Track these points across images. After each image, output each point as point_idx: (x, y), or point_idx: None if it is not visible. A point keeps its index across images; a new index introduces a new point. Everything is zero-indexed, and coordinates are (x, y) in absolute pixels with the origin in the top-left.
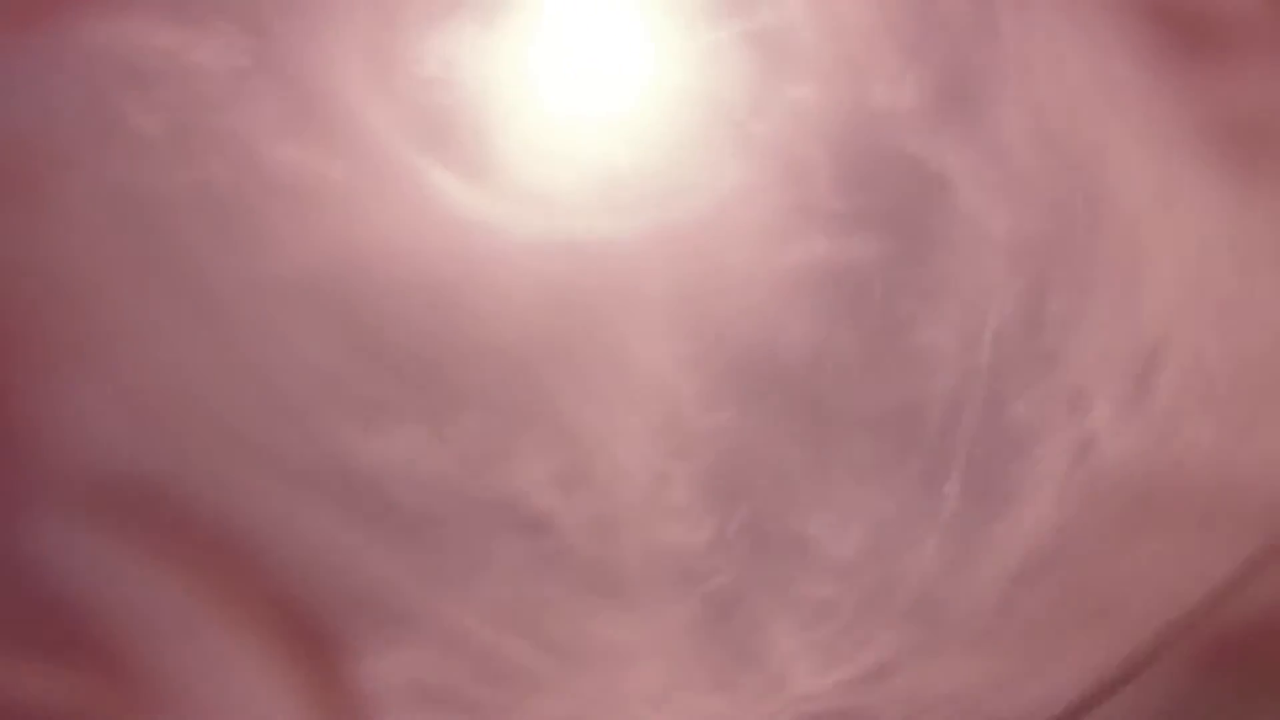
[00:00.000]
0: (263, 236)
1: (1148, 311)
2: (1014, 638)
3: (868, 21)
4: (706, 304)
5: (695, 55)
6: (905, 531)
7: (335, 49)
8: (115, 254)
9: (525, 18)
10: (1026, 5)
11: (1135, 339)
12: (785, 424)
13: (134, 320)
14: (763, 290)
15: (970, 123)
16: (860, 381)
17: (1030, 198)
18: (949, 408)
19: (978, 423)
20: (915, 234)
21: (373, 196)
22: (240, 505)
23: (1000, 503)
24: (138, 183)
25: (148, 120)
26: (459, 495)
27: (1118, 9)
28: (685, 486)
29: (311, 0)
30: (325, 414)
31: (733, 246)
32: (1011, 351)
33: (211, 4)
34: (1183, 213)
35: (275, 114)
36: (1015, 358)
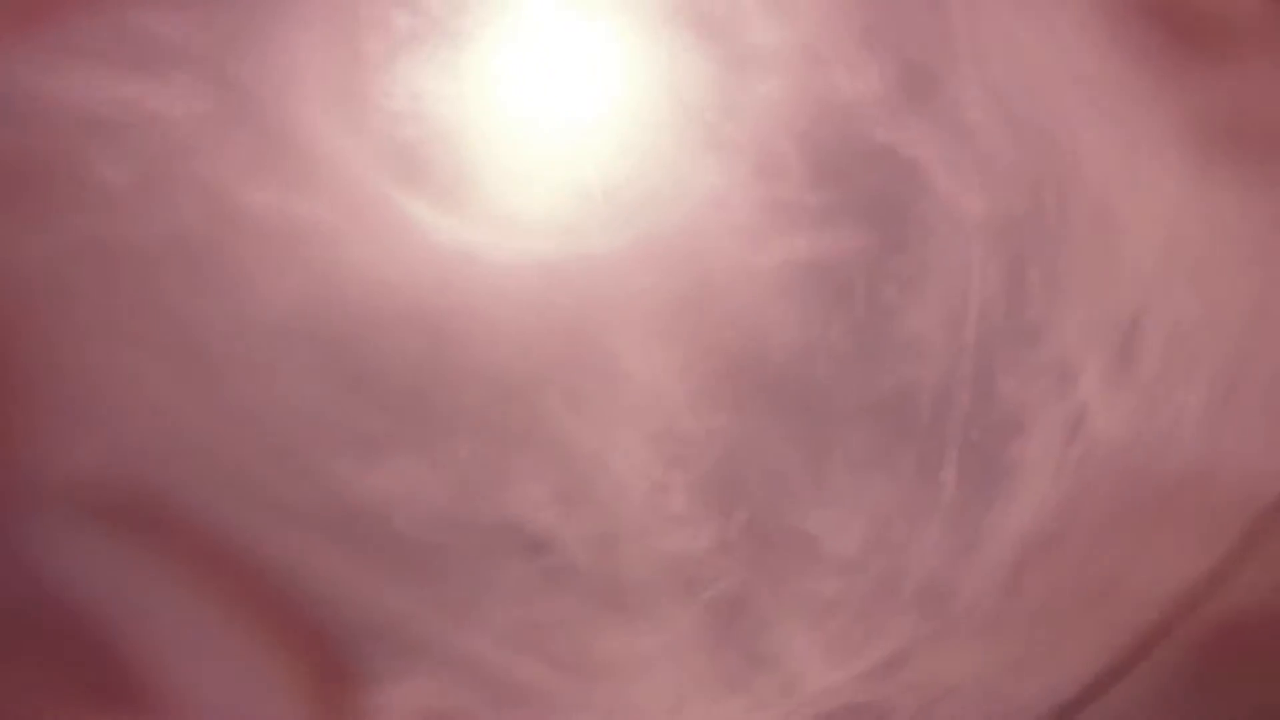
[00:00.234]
0: (243, 281)
1: (1124, 281)
2: (1022, 622)
3: (822, 10)
4: (693, 311)
5: (658, 61)
6: (906, 522)
7: (299, 89)
8: (94, 308)
9: (487, 44)
10: None
11: (1114, 309)
12: (779, 423)
13: (119, 372)
14: (748, 292)
15: (934, 108)
16: (851, 374)
17: (1002, 178)
18: (940, 393)
19: (969, 405)
20: (893, 222)
21: (351, 233)
22: (239, 545)
23: (997, 485)
24: (111, 235)
25: (115, 171)
26: (460, 522)
27: (1109, 4)
28: (684, 494)
29: (270, 43)
30: (320, 451)
31: (714, 250)
32: (996, 331)
33: (166, 52)
34: (1152, 185)
35: (245, 158)
36: (1000, 336)
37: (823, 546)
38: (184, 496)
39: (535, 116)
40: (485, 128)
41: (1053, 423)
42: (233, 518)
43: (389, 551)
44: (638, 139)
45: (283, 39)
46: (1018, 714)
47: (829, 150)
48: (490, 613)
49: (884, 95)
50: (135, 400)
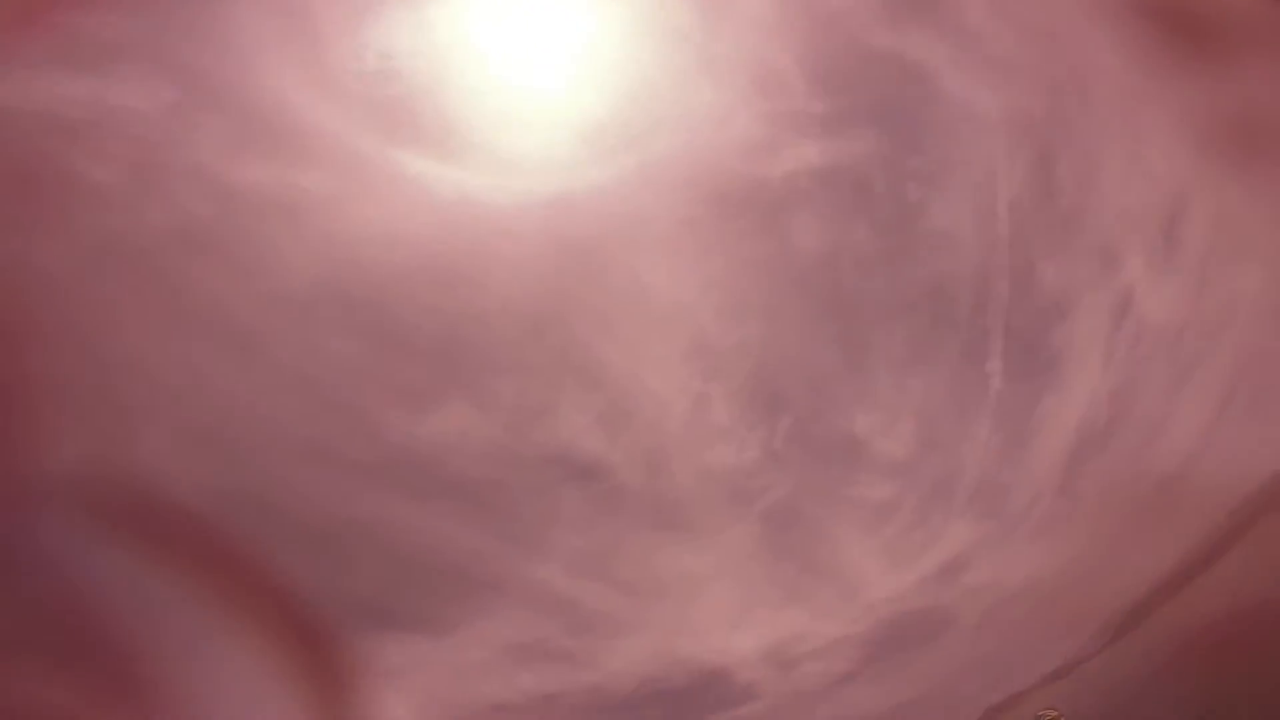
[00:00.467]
0: (259, 258)
1: (1161, 168)
2: (1081, 521)
3: None
4: (710, 226)
5: None
6: (955, 418)
7: (265, 66)
8: (115, 306)
9: None
10: None
11: (1154, 193)
12: (813, 327)
13: (160, 362)
14: (763, 203)
15: (935, 14)
16: (882, 272)
17: (1015, 79)
18: (977, 284)
19: (1009, 294)
20: (906, 124)
21: (353, 196)
22: (310, 509)
23: (1045, 374)
24: (116, 232)
25: (103, 170)
26: (513, 457)
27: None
28: (725, 406)
29: (223, 25)
30: (370, 406)
31: (722, 168)
32: (1030, 221)
33: (113, 49)
34: (1173, 78)
35: (228, 140)
36: (1035, 226)
37: (871, 449)
38: (248, 476)
39: (518, 56)
40: (468, 75)
41: (1098, 307)
42: (301, 485)
43: (452, 494)
44: (627, 67)
45: (235, 20)
46: (1082, 620)
47: (828, 59)
48: (554, 543)
49: (879, 2)
50: (182, 386)
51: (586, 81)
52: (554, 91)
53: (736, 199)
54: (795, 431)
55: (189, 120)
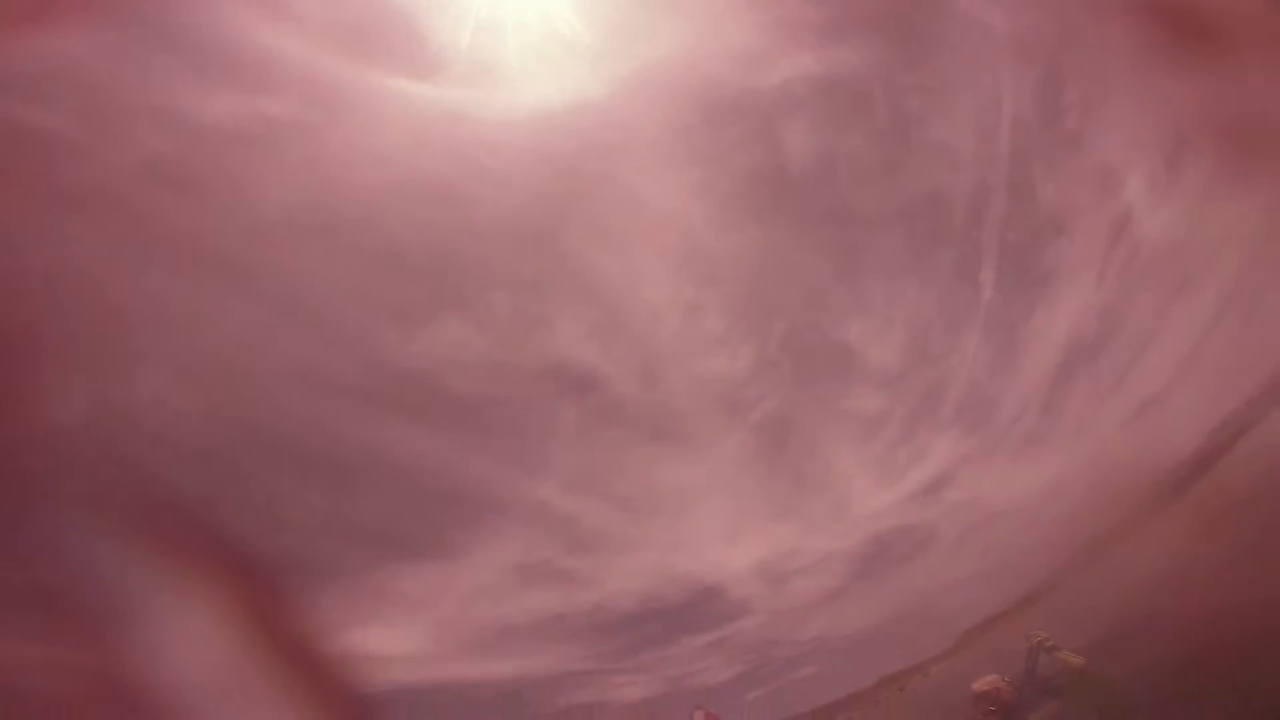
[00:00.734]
0: (239, 189)
1: (1173, 94)
2: (1065, 439)
3: None
4: (702, 134)
5: None
6: (946, 329)
7: None
8: (98, 252)
9: None
10: None
11: (1163, 119)
12: (807, 233)
13: (149, 303)
14: (756, 111)
15: None
16: (878, 181)
17: None
18: (974, 198)
19: (1006, 209)
20: (908, 36)
21: (329, 120)
22: (313, 438)
23: (1038, 288)
24: (80, 180)
25: (54, 119)
26: (509, 373)
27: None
28: (719, 313)
29: None
30: (365, 328)
31: (714, 76)
32: (1032, 138)
33: (55, 1)
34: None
35: (187, 75)
36: (1037, 144)
37: (863, 359)
38: (246, 408)
39: None
40: None
41: (1095, 226)
42: (298, 410)
43: (450, 414)
44: None
45: None
46: (1061, 540)
47: None
48: (552, 460)
49: None
50: (176, 321)
51: None
52: (536, 1)
53: (729, 107)
54: (788, 339)
55: (143, 60)
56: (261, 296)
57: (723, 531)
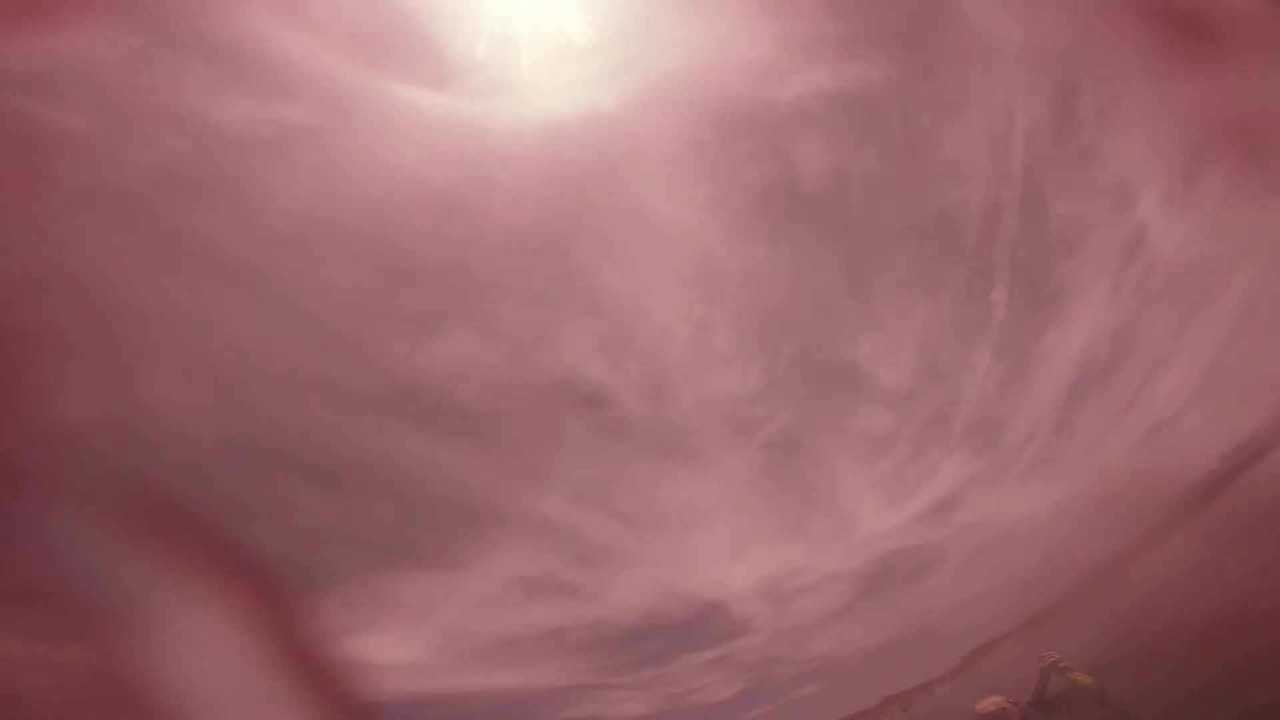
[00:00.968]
0: (252, 194)
1: (1188, 105)
2: (1075, 461)
3: None
4: (714, 149)
5: None
6: (956, 348)
7: (238, 2)
8: (112, 252)
9: None
10: None
11: (1177, 130)
12: (818, 250)
13: (160, 305)
14: (769, 126)
15: None
16: (890, 198)
17: (1040, 7)
18: (986, 215)
19: (1018, 226)
20: (923, 51)
21: (342, 127)
22: (319, 447)
23: (1050, 306)
24: (97, 180)
25: (75, 120)
26: (517, 386)
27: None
28: (728, 331)
29: None
30: (374, 337)
31: (729, 90)
32: (1046, 153)
33: (77, 2)
34: (1212, 22)
35: (204, 79)
36: (1050, 159)
37: (873, 378)
38: (252, 411)
39: None
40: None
41: (1108, 243)
42: (304, 416)
43: (458, 425)
44: None
45: None
46: (1070, 561)
47: None
48: (558, 474)
49: None
50: (184, 330)
51: (586, 2)
52: (550, 11)
53: (742, 122)
54: (798, 356)
55: (163, 63)
56: (270, 302)
57: (727, 549)
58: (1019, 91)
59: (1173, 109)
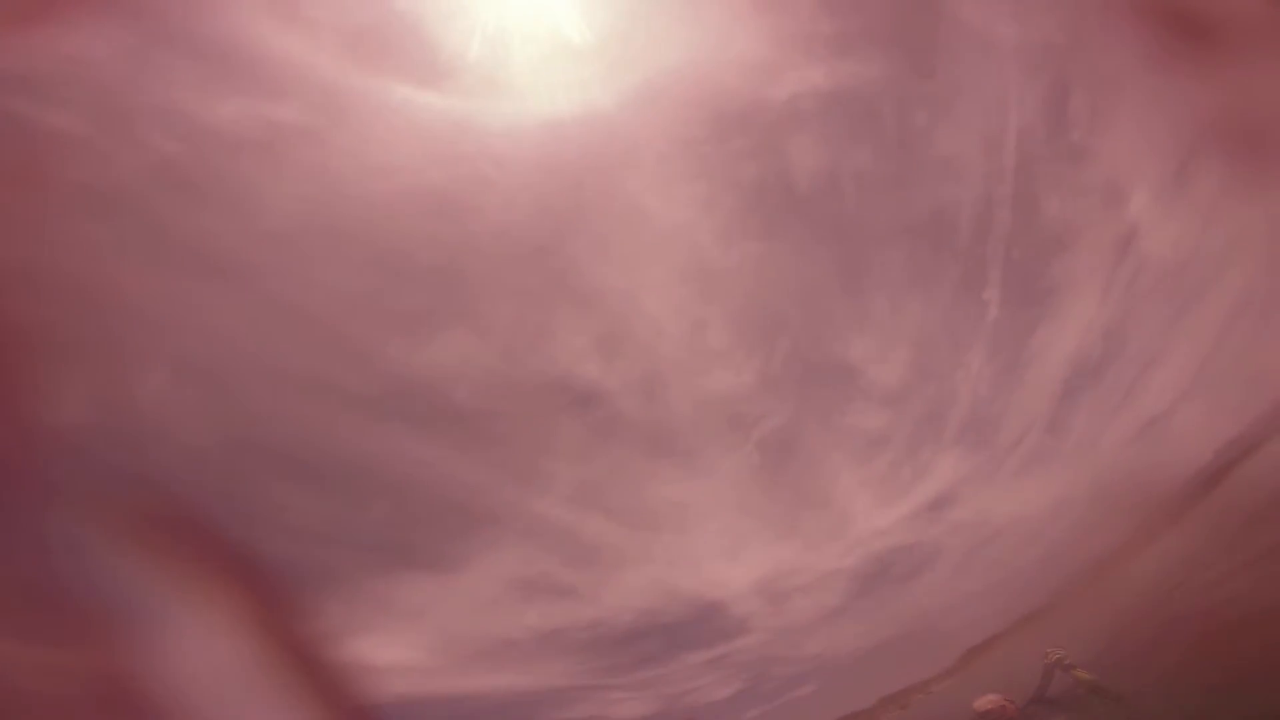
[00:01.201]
0: (245, 193)
1: (1181, 102)
2: (1070, 458)
3: None
4: (709, 147)
5: None
6: (950, 346)
7: (230, 1)
8: (104, 252)
9: None
10: None
11: (1170, 128)
12: (812, 248)
13: (153, 305)
14: (763, 125)
15: None
16: (883, 196)
17: (1034, 4)
18: (979, 213)
19: (1011, 225)
20: (917, 49)
21: (334, 127)
22: (314, 449)
23: (1043, 304)
24: (91, 180)
25: (67, 119)
26: (512, 385)
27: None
28: (722, 328)
29: None
30: (368, 337)
31: (723, 88)
32: (1038, 152)
33: (68, 2)
34: (1204, 20)
35: (196, 78)
36: (1043, 157)
37: (866, 376)
38: (247, 409)
39: None
40: None
41: (1101, 241)
42: (299, 418)
43: (454, 425)
44: None
45: None
46: (1066, 557)
47: None
48: (554, 474)
49: None
50: (181, 325)
51: (579, 0)
52: (544, 10)
53: (736, 120)
54: (792, 354)
55: (155, 62)
56: (265, 303)
57: (723, 548)
58: (1013, 89)
59: (1166, 107)
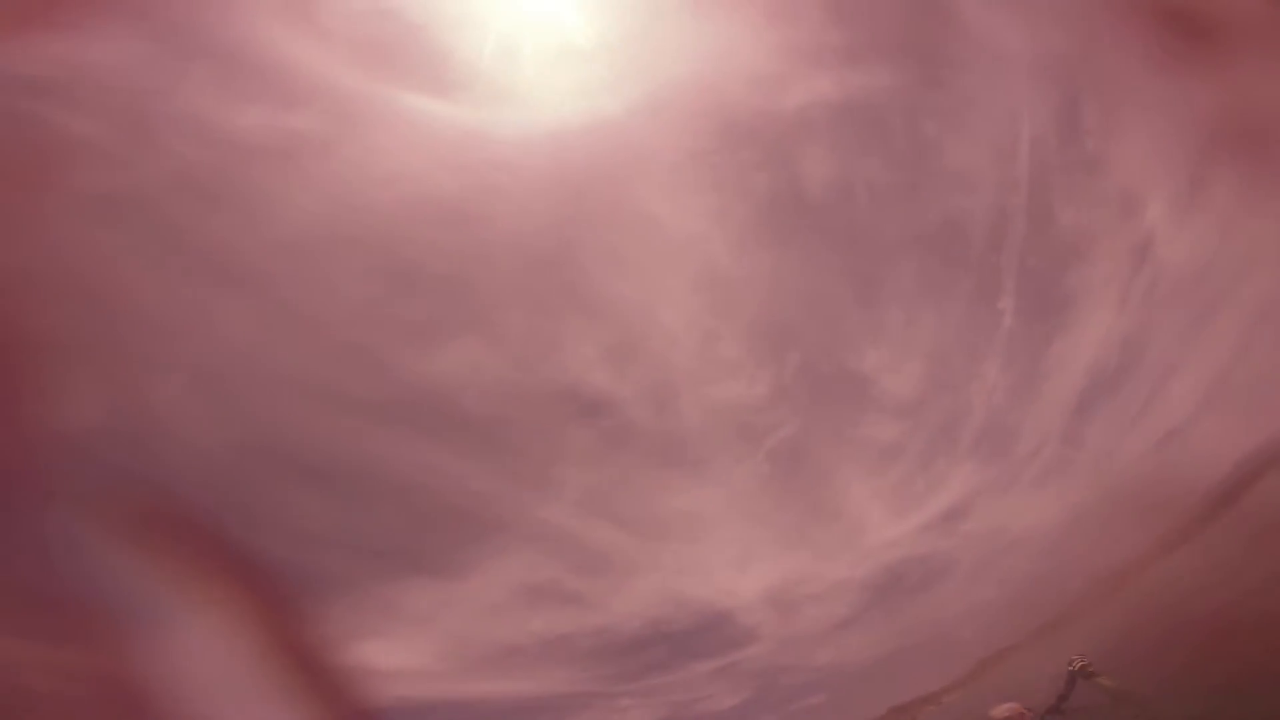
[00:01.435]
0: (262, 202)
1: (1194, 109)
2: (1085, 470)
3: None
4: (719, 157)
5: None
6: (964, 357)
7: (250, 10)
8: (121, 258)
9: None
10: None
11: (1184, 136)
12: (825, 259)
13: (168, 311)
14: (774, 135)
15: None
16: (896, 207)
17: (1044, 14)
18: (993, 223)
19: (1025, 234)
20: (927, 59)
21: (349, 136)
22: (325, 454)
23: (1059, 315)
24: (112, 186)
25: (89, 125)
26: (523, 394)
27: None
28: (735, 339)
29: None
30: (380, 346)
31: (734, 98)
32: (1051, 162)
33: (89, 4)
34: (1214, 24)
35: (216, 86)
36: (1056, 167)
37: (879, 387)
38: (257, 417)
39: None
40: (463, 6)
41: (1116, 250)
42: (309, 426)
43: (464, 433)
44: None
45: None
46: (1079, 570)
47: None
48: (564, 481)
49: None
50: (192, 336)
51: (590, 9)
52: (555, 20)
53: (747, 130)
54: (804, 367)
55: (173, 70)
56: (277, 310)
57: (733, 557)
58: (1024, 99)
59: (1179, 115)
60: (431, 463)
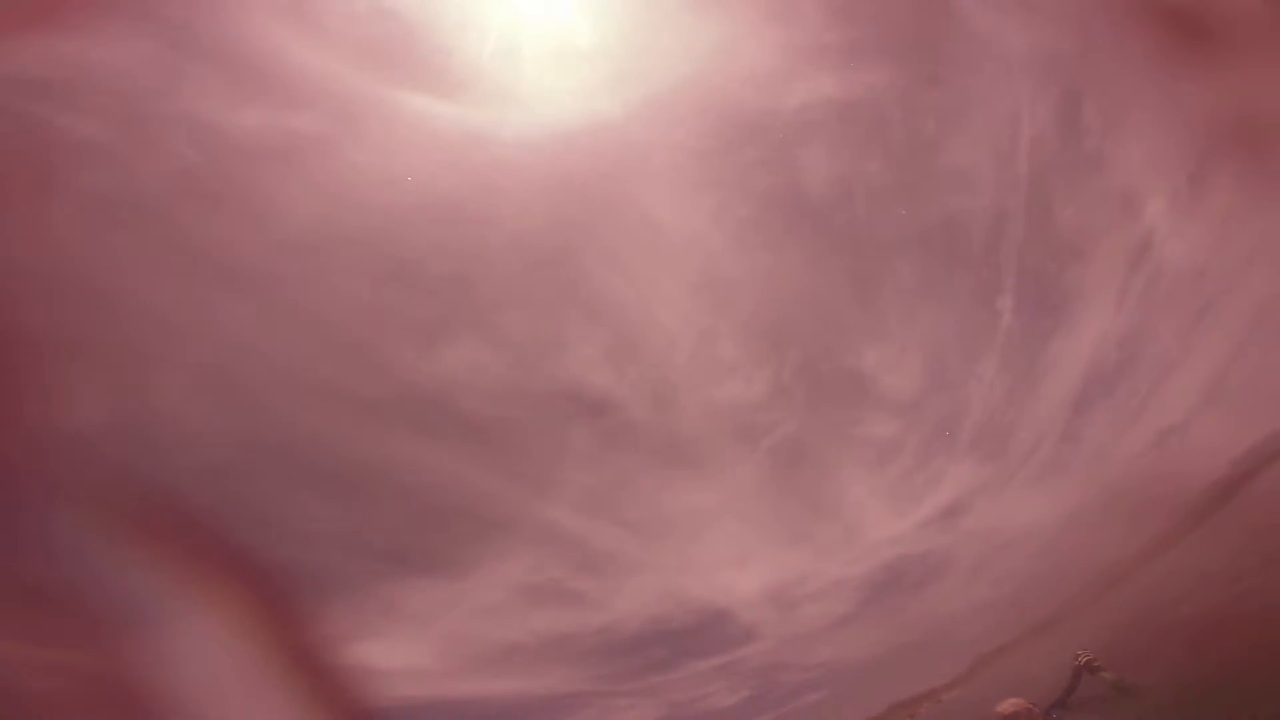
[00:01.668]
0: (265, 202)
1: (1194, 108)
2: (1083, 468)
3: None
4: (720, 157)
5: None
6: (963, 356)
7: (251, 11)
8: (124, 259)
9: None
10: None
11: (1184, 135)
12: (824, 258)
13: (170, 311)
14: (774, 134)
15: None
16: (895, 206)
17: (1043, 14)
18: (992, 222)
19: (1024, 234)
20: (927, 58)
21: (351, 137)
22: (322, 447)
23: (1057, 313)
24: (115, 188)
25: (91, 126)
26: (523, 393)
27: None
28: (734, 338)
29: None
30: (382, 345)
31: (735, 99)
32: (1051, 161)
33: (89, 5)
34: (1217, 25)
35: (218, 87)
36: (1056, 166)
37: (878, 386)
38: (260, 416)
39: None
40: (463, 7)
41: (1115, 250)
42: (311, 424)
43: (465, 432)
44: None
45: None
46: (1077, 567)
47: None
48: (564, 481)
49: None
50: (194, 336)
51: (590, 11)
52: (557, 21)
53: (747, 131)
54: (804, 366)
55: (175, 71)
56: (279, 310)
57: (733, 556)
58: (1024, 99)
59: (1178, 115)
60: (432, 462)
